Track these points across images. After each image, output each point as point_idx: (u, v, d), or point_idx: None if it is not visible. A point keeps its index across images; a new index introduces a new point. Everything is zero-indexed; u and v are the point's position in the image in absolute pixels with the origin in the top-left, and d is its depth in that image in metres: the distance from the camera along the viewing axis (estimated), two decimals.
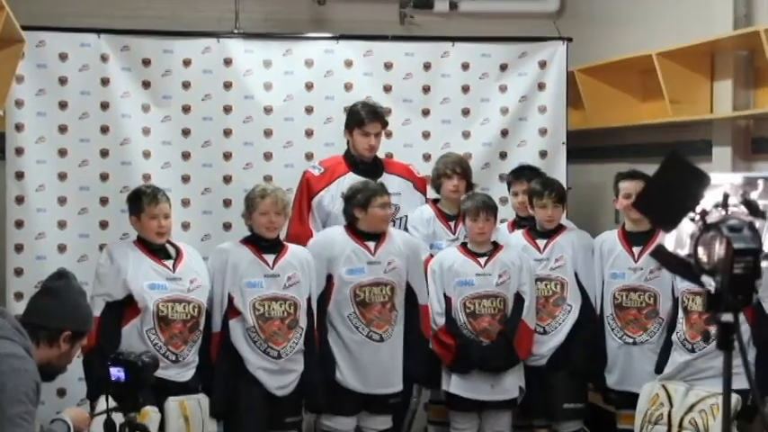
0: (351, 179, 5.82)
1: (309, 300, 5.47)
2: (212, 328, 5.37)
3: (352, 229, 5.61)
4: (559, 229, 5.87)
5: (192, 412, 5.12)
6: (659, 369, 5.47)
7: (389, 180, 5.99)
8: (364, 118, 5.88)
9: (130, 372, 4.08)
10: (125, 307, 5.19)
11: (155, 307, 5.14)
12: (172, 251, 5.35)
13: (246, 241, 5.47)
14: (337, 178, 5.89)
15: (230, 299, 5.34)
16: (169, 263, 5.29)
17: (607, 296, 5.74)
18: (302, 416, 5.61)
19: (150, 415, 4.74)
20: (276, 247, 5.45)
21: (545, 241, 5.83)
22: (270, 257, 5.40)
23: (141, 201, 5.28)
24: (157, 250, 5.30)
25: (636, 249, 5.66)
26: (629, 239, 5.70)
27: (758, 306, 5.07)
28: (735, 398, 5.04)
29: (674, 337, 5.40)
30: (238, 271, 5.35)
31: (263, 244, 5.42)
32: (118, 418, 4.10)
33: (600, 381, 5.83)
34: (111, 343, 4.91)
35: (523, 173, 6.21)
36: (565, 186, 6.26)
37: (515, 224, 6.17)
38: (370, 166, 5.99)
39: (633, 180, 5.63)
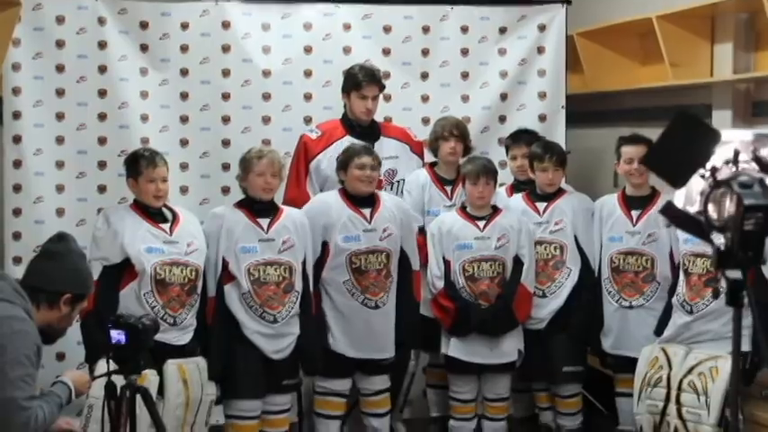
0: (348, 142, 5.79)
1: (305, 263, 5.44)
2: (207, 292, 5.35)
3: (346, 193, 5.59)
4: (559, 192, 5.87)
5: (190, 375, 5.11)
6: (659, 332, 5.48)
7: (386, 143, 5.98)
8: (361, 81, 5.85)
9: (131, 335, 4.08)
10: (122, 270, 5.15)
11: (152, 270, 5.11)
12: (169, 215, 5.32)
13: (241, 205, 5.44)
14: (335, 141, 5.86)
15: (225, 264, 5.31)
16: (166, 226, 5.26)
17: (605, 259, 5.74)
18: (300, 378, 5.61)
19: (149, 378, 4.73)
20: (271, 211, 5.42)
21: (545, 204, 5.83)
22: (264, 221, 5.37)
23: (139, 164, 5.24)
24: (154, 214, 5.27)
25: (635, 213, 5.67)
26: (629, 203, 5.70)
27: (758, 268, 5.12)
28: None
29: (673, 299, 5.41)
30: (233, 236, 5.32)
31: (257, 207, 5.39)
32: (118, 380, 4.09)
33: (597, 344, 5.84)
34: (109, 307, 4.93)
35: (522, 137, 6.22)
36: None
37: (514, 188, 6.16)
38: (367, 130, 5.96)
39: (635, 144, 5.62)
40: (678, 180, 2.66)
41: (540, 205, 5.84)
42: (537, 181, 5.86)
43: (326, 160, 5.81)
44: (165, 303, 5.13)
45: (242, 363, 5.30)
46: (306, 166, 5.86)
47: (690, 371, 5.18)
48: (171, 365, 5.04)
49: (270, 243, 5.34)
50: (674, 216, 2.75)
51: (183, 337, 5.21)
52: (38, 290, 3.97)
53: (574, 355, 5.83)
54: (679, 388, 5.18)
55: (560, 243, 5.77)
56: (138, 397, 4.07)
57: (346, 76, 5.96)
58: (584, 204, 5.86)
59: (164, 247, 5.19)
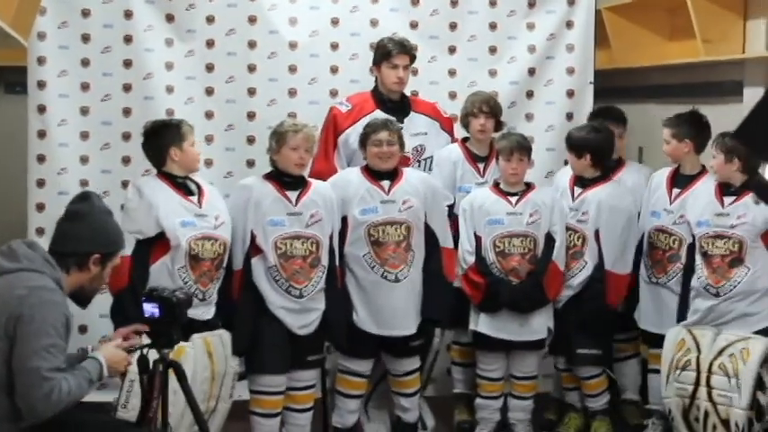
0: (378, 117, 5.73)
1: (331, 238, 5.39)
2: (233, 265, 5.29)
3: (367, 168, 5.54)
4: (596, 181, 5.75)
5: (215, 348, 5.04)
6: (681, 316, 5.43)
7: (416, 119, 5.93)
8: (392, 50, 5.79)
9: (165, 308, 4.07)
10: (152, 244, 5.06)
11: (187, 245, 5.03)
12: (194, 187, 5.23)
13: (270, 177, 5.36)
14: (364, 116, 5.78)
15: (252, 237, 5.25)
16: (194, 198, 5.18)
17: (645, 234, 5.72)
18: (324, 354, 5.58)
19: (186, 350, 4.68)
20: (299, 184, 5.35)
21: (580, 191, 5.76)
22: (293, 195, 5.30)
23: (182, 130, 5.15)
24: (181, 185, 5.18)
25: (675, 191, 5.62)
26: (674, 181, 5.65)
27: None
28: (764, 341, 5.06)
29: (694, 283, 5.35)
30: (261, 208, 5.25)
31: (286, 180, 5.32)
32: (151, 354, 4.08)
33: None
34: (142, 282, 4.87)
35: (612, 114, 6.17)
36: None
37: None
38: (398, 104, 5.90)
39: (664, 127, 5.64)
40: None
41: (577, 191, 5.77)
42: (572, 169, 5.83)
43: (355, 134, 5.72)
44: (197, 278, 5.06)
45: (267, 338, 5.24)
46: (334, 139, 5.81)
47: (720, 353, 5.13)
48: (197, 339, 4.95)
49: (298, 217, 5.28)
50: (765, 192, 2.67)
51: (208, 312, 5.16)
52: (66, 254, 3.92)
53: (589, 338, 5.72)
54: (709, 370, 5.13)
55: (582, 234, 5.69)
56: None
57: (376, 48, 5.91)
58: (611, 200, 5.70)
59: (195, 220, 5.10)
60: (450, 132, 6.11)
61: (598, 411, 5.91)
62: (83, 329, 5.96)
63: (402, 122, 5.74)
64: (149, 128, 5.23)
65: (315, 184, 5.43)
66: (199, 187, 5.24)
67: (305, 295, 5.26)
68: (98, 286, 4.12)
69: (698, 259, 5.35)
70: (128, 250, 4.82)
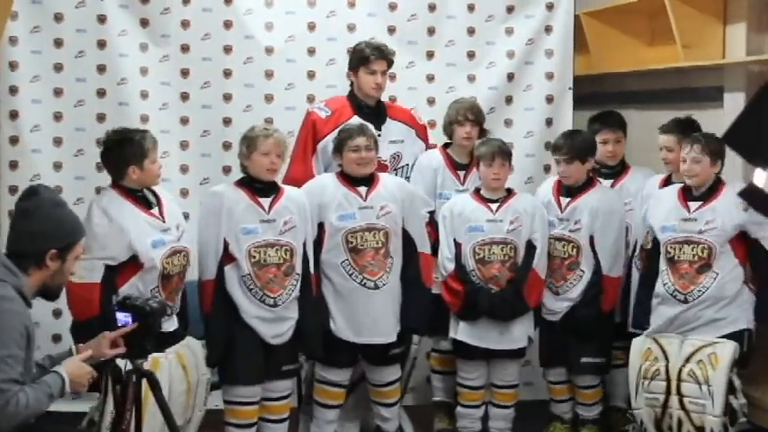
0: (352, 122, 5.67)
1: (305, 245, 5.30)
2: (203, 274, 5.16)
3: (343, 174, 5.46)
4: (585, 187, 5.67)
5: (187, 360, 4.94)
6: (639, 323, 5.39)
7: (392, 126, 5.85)
8: (370, 55, 5.70)
9: (138, 317, 3.98)
10: (121, 266, 4.80)
11: (161, 265, 4.83)
12: (151, 197, 4.97)
13: (241, 184, 5.24)
14: (343, 122, 5.69)
15: (225, 245, 5.14)
16: (155, 212, 4.93)
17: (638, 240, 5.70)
18: (300, 363, 5.49)
19: (161, 362, 4.57)
20: (271, 190, 5.24)
21: (568, 200, 5.67)
22: (266, 201, 5.19)
23: (144, 146, 4.84)
24: (140, 198, 4.90)
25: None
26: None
27: (757, 246, 5.09)
28: (732, 345, 5.04)
29: (659, 289, 5.27)
30: (234, 216, 5.13)
31: (258, 186, 5.21)
32: (126, 365, 4.00)
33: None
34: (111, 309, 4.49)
35: (610, 119, 6.05)
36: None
37: (596, 173, 5.92)
38: (374, 111, 5.83)
39: (665, 134, 5.59)
40: (761, 159, 2.54)
41: (564, 200, 5.69)
42: (559, 175, 5.74)
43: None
44: (167, 296, 4.88)
45: (241, 347, 5.14)
46: (314, 144, 5.70)
47: (687, 359, 5.09)
48: (170, 354, 4.82)
49: (271, 224, 5.17)
50: (755, 198, 2.62)
51: (172, 323, 4.98)
52: (21, 255, 3.80)
53: (593, 347, 5.68)
54: (678, 378, 5.09)
55: (577, 243, 5.62)
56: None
57: (353, 53, 5.82)
58: (605, 204, 5.64)
59: (163, 237, 4.88)
60: (425, 140, 6.03)
61: (589, 420, 5.87)
62: (56, 338, 5.93)
63: (380, 129, 5.68)
64: (110, 140, 4.93)
65: (287, 190, 5.32)
66: (156, 196, 5.00)
67: (279, 304, 5.16)
68: (62, 281, 3.96)
69: (663, 265, 5.27)
70: (96, 277, 4.68)
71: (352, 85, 5.83)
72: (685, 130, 5.53)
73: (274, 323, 5.17)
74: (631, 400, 5.33)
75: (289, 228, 5.21)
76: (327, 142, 5.66)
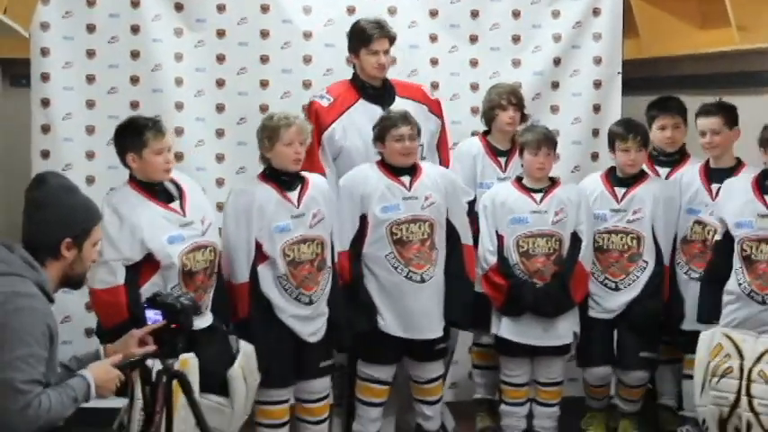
0: (362, 107, 5.49)
1: (331, 234, 5.16)
2: (236, 278, 4.97)
3: (384, 164, 5.29)
4: (641, 177, 5.50)
5: (248, 371, 4.81)
6: (707, 319, 5.14)
7: (402, 105, 5.53)
8: (370, 35, 5.45)
9: (169, 315, 3.84)
10: (140, 265, 4.62)
11: (180, 262, 4.62)
12: (172, 188, 4.77)
13: (267, 178, 5.04)
14: (347, 108, 5.50)
15: (258, 245, 4.96)
16: (176, 205, 4.71)
17: (681, 230, 5.50)
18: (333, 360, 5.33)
19: (190, 362, 4.37)
20: (297, 182, 5.05)
21: (624, 191, 5.48)
22: (293, 195, 5.01)
23: (144, 135, 4.61)
24: (159, 191, 4.71)
25: (714, 187, 5.34)
26: (709, 176, 5.41)
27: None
28: None
29: (732, 287, 4.98)
30: (266, 214, 4.94)
31: (284, 179, 5.02)
32: (154, 365, 3.86)
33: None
34: (139, 310, 4.27)
35: (670, 104, 5.79)
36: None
37: (653, 161, 5.73)
38: (380, 92, 5.59)
39: (708, 117, 5.33)
40: None
41: (619, 191, 5.49)
42: (617, 162, 5.51)
43: (341, 130, 5.46)
44: (192, 294, 4.63)
45: (274, 349, 4.97)
46: (318, 136, 5.42)
47: (759, 359, 4.81)
48: (236, 370, 4.71)
49: (301, 219, 5.00)
50: None
51: (205, 320, 4.76)
52: (36, 247, 3.63)
53: (649, 341, 5.52)
54: (749, 378, 4.82)
55: (638, 234, 5.43)
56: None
57: (352, 33, 5.56)
58: (665, 192, 5.49)
59: (182, 232, 4.66)
60: (440, 115, 5.80)
61: (630, 413, 5.72)
62: (89, 332, 5.74)
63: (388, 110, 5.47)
64: (117, 127, 4.79)
65: (312, 179, 5.14)
66: (178, 188, 4.79)
67: (314, 301, 5.02)
68: (83, 270, 3.76)
69: (737, 262, 4.98)
70: (119, 279, 4.51)
71: (354, 67, 5.62)
72: (728, 111, 5.33)
73: (311, 320, 5.04)
74: (694, 398, 5.07)
75: (318, 220, 5.05)
76: (334, 130, 5.48)
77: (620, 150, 5.46)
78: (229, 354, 4.78)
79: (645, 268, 5.43)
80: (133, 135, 4.65)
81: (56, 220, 3.64)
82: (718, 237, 5.17)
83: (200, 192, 4.98)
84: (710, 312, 5.12)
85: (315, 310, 5.02)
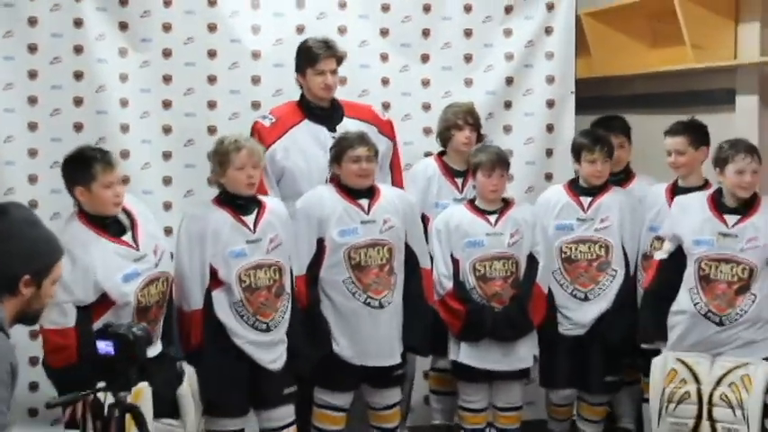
0: (306, 128, 5.41)
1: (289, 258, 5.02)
2: (188, 304, 4.81)
3: (341, 186, 5.18)
4: (606, 186, 5.47)
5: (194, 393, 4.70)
6: (650, 339, 5.09)
7: (349, 126, 5.44)
8: (317, 55, 5.36)
9: (120, 346, 3.67)
10: (94, 303, 4.41)
11: (135, 300, 4.44)
12: (124, 219, 4.57)
13: (221, 202, 4.90)
14: (290, 128, 5.40)
15: (213, 271, 4.81)
16: (128, 238, 4.52)
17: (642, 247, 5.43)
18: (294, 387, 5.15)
19: (143, 392, 4.19)
20: (253, 206, 4.93)
21: (590, 200, 5.43)
22: (249, 220, 4.88)
23: (93, 168, 4.43)
24: (109, 224, 4.50)
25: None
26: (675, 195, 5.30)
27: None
28: (766, 366, 4.70)
29: (689, 308, 4.88)
30: (221, 239, 4.80)
31: (239, 203, 4.89)
32: (106, 398, 3.69)
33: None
34: (89, 351, 4.05)
35: (614, 123, 5.81)
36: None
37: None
38: (328, 112, 5.50)
39: (674, 136, 5.27)
40: None
41: (585, 200, 5.43)
42: (582, 173, 5.46)
43: (282, 150, 5.35)
44: (145, 324, 4.40)
45: (228, 377, 4.83)
46: None
47: (719, 382, 4.76)
48: (185, 389, 4.59)
49: (257, 243, 4.86)
50: None
51: (156, 348, 4.58)
52: None
53: (615, 364, 5.47)
54: (710, 402, 4.76)
55: (605, 242, 5.37)
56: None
57: (298, 53, 5.47)
58: (631, 201, 5.47)
59: (136, 267, 4.47)
60: (391, 136, 5.70)
61: None
62: (33, 387, 5.68)
63: (334, 130, 5.38)
64: (65, 158, 4.58)
65: (268, 203, 5.02)
66: (129, 216, 4.60)
67: (272, 328, 4.87)
68: (41, 306, 3.57)
69: (691, 282, 4.91)
70: (70, 321, 4.32)
71: (302, 87, 5.52)
72: (696, 130, 5.27)
73: (270, 348, 4.89)
74: (651, 425, 4.98)
75: (275, 245, 4.91)
76: (275, 151, 5.36)
77: (585, 161, 5.41)
78: (179, 377, 4.64)
79: (614, 277, 5.37)
80: (81, 168, 4.47)
81: (17, 253, 3.42)
82: (663, 255, 5.09)
83: (150, 217, 4.80)
84: (655, 332, 5.05)
85: (274, 337, 4.88)
